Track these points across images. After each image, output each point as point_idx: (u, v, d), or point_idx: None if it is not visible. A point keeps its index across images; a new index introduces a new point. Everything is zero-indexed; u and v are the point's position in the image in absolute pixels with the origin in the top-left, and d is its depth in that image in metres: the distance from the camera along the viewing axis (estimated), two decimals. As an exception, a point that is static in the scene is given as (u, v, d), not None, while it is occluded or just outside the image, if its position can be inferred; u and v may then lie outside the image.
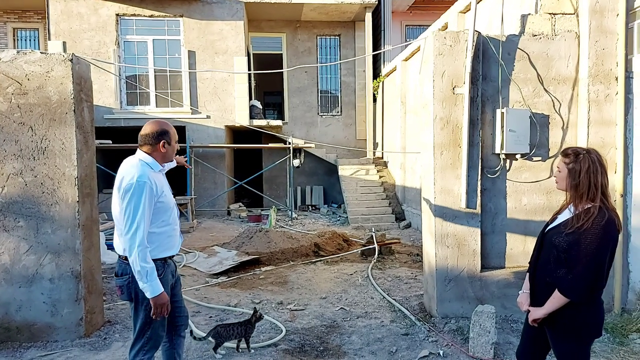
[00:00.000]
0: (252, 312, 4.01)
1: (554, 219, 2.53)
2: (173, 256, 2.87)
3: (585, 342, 2.37)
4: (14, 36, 13.55)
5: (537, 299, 2.46)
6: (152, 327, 2.69)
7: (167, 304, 2.60)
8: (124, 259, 2.67)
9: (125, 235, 2.55)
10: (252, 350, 3.89)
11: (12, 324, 4.08)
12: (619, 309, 4.45)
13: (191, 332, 3.82)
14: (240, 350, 3.90)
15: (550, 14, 4.59)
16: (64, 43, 11.59)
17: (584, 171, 2.31)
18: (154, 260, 2.62)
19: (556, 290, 2.33)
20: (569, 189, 2.39)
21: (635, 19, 4.44)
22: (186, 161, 3.83)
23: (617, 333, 4.05)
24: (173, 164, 3.50)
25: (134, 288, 2.61)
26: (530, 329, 2.55)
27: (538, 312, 2.40)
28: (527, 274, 2.62)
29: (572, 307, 2.30)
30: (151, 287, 2.52)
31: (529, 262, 2.61)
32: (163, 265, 2.73)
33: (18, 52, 4.09)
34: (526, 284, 2.61)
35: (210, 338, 3.83)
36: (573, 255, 2.28)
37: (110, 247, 6.19)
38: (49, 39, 11.76)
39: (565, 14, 4.59)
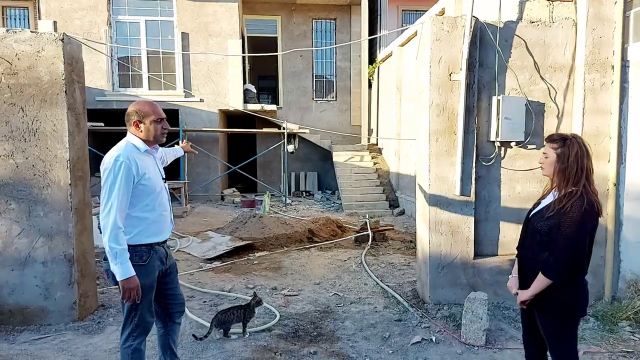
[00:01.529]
0: (250, 297, 4.00)
1: (537, 204, 2.59)
2: (162, 243, 2.80)
3: (570, 322, 2.44)
4: (2, 15, 13.24)
5: (525, 282, 2.53)
6: (138, 313, 2.66)
7: (138, 289, 2.53)
8: None
9: (100, 214, 2.53)
10: (247, 335, 3.91)
11: (4, 307, 4.06)
12: (609, 297, 4.51)
13: (194, 335, 3.81)
14: (245, 334, 3.92)
15: (548, 0, 4.55)
16: (55, 22, 11.30)
17: (573, 155, 2.35)
18: (138, 245, 2.59)
19: (540, 272, 2.40)
20: (555, 174, 2.42)
21: (632, 7, 4.41)
22: (190, 145, 3.74)
23: (607, 321, 4.11)
24: (180, 152, 3.45)
25: None
26: (527, 315, 2.62)
27: (524, 295, 2.49)
28: (516, 258, 2.70)
29: (556, 289, 2.38)
30: (120, 269, 2.47)
31: (517, 247, 2.69)
32: (149, 251, 2.67)
33: (7, 30, 4.00)
34: (515, 268, 2.69)
35: (215, 329, 3.81)
36: (553, 239, 2.36)
37: (103, 230, 6.15)
38: (39, 18, 11.51)
39: (564, 0, 4.54)
